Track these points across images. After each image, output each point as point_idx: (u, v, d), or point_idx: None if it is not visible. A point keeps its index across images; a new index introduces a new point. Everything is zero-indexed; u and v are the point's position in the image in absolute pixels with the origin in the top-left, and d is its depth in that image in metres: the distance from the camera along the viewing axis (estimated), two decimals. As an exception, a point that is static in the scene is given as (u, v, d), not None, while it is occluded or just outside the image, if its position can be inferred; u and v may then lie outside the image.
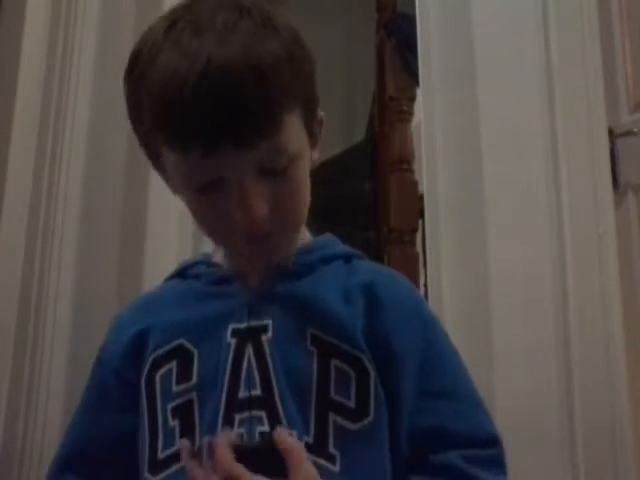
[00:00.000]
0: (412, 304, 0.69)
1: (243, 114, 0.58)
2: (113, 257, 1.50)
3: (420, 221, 1.85)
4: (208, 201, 0.62)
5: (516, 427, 1.12)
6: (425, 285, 1.59)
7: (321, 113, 0.70)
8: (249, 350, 0.64)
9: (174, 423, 0.64)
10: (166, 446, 0.63)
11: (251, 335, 0.65)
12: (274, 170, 0.61)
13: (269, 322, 0.65)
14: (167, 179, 0.67)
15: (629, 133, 1.28)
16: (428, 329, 0.69)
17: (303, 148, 0.65)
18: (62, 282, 1.46)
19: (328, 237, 0.75)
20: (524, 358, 1.15)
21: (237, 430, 0.61)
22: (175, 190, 0.67)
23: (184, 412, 0.64)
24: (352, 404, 0.62)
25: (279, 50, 0.60)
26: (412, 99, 2.10)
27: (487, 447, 0.66)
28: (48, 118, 1.52)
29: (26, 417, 1.37)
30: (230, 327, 0.65)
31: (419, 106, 1.58)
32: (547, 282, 1.17)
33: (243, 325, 0.65)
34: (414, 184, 1.98)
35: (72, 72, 1.55)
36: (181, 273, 0.74)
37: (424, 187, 1.35)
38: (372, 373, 0.63)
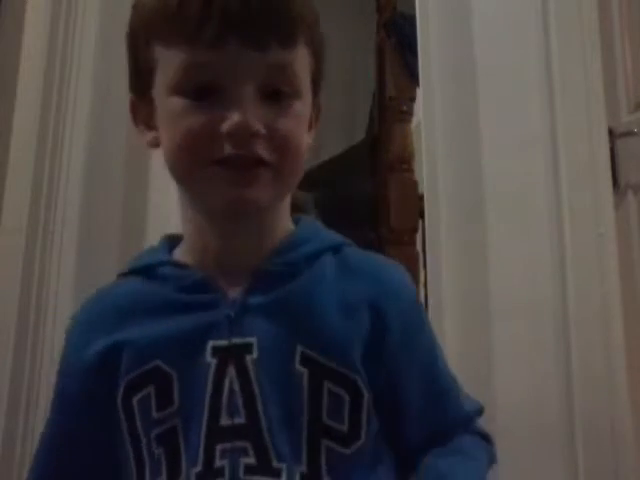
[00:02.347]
0: (416, 322, 0.67)
1: (259, 8, 0.55)
2: (113, 258, 1.50)
3: (420, 221, 1.85)
4: (195, 108, 0.56)
5: (516, 427, 1.12)
6: (425, 285, 1.59)
7: (320, 102, 0.67)
8: (231, 372, 0.58)
9: (159, 451, 0.58)
10: (154, 475, 0.58)
11: (233, 354, 0.58)
12: (277, 93, 0.57)
13: (253, 340, 0.58)
14: (151, 107, 0.61)
15: (629, 133, 1.28)
16: (430, 342, 0.68)
17: (307, 98, 0.61)
18: (62, 283, 1.45)
19: (309, 224, 0.68)
20: (524, 358, 1.15)
21: (219, 463, 0.56)
22: (160, 107, 0.60)
23: (168, 440, 0.58)
24: (345, 428, 0.58)
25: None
26: (412, 99, 2.11)
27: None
28: (48, 117, 1.52)
29: (26, 420, 1.37)
30: (210, 344, 0.58)
31: (419, 106, 1.58)
32: (547, 282, 1.17)
33: (224, 342, 0.58)
34: (414, 184, 1.98)
35: (72, 71, 1.55)
36: (142, 272, 0.65)
37: (424, 187, 1.35)
38: (366, 395, 0.59)
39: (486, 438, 0.69)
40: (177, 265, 0.64)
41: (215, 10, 0.54)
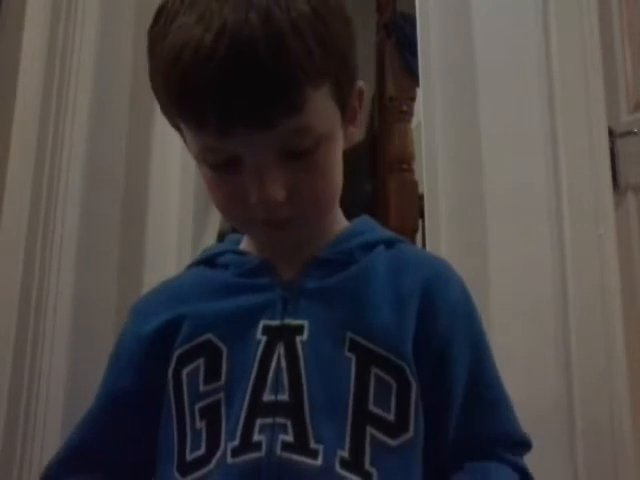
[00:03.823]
0: (465, 309, 0.65)
1: (258, 90, 0.51)
2: (113, 259, 1.50)
3: (420, 221, 1.85)
4: (224, 179, 0.58)
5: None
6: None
7: (360, 83, 0.64)
8: (280, 349, 0.59)
9: (201, 425, 0.59)
10: (194, 448, 0.59)
11: (284, 334, 0.60)
12: (296, 152, 0.56)
13: (305, 323, 0.60)
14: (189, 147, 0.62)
15: (629, 133, 1.28)
16: (479, 339, 0.65)
17: (333, 127, 0.59)
18: (62, 283, 1.45)
19: (366, 220, 0.70)
20: (524, 359, 1.15)
21: (257, 437, 0.56)
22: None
23: (211, 414, 0.59)
24: (392, 417, 0.58)
25: (304, 14, 0.53)
26: (412, 99, 2.10)
27: (521, 450, 0.66)
28: (48, 118, 1.52)
29: (26, 420, 1.37)
30: (261, 323, 0.60)
31: (419, 106, 1.58)
32: (547, 282, 1.17)
33: (276, 322, 0.60)
34: (414, 184, 1.98)
35: (72, 71, 1.54)
36: (208, 261, 0.69)
37: (424, 187, 1.35)
38: (414, 385, 0.58)
39: (524, 475, 0.64)
40: (238, 253, 0.67)
41: (213, 105, 0.52)
